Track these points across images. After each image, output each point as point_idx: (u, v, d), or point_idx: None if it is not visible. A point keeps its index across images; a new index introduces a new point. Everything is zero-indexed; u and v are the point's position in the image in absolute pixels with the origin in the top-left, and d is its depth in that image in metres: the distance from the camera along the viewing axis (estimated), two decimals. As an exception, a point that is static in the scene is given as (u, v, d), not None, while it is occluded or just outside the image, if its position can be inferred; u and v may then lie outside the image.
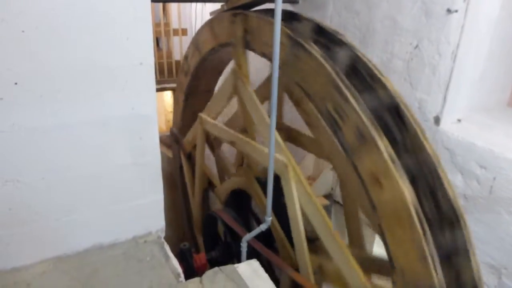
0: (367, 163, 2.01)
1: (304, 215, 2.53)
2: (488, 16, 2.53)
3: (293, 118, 3.07)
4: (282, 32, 2.25)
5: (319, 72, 2.20)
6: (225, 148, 4.20)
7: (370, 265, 2.54)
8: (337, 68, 2.18)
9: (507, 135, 2.54)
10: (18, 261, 1.80)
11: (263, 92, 2.99)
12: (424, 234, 1.82)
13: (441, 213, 2.00)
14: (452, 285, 1.91)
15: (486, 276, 2.51)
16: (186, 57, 4.07)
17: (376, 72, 2.26)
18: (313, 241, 2.62)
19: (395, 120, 2.16)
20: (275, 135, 2.48)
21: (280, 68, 2.20)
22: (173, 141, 4.79)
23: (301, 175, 2.52)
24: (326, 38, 2.50)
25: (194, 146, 4.09)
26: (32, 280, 1.75)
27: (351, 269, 2.26)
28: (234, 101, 3.25)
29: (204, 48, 3.62)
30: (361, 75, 2.30)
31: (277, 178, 2.53)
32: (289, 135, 3.16)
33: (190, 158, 4.40)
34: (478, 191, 2.48)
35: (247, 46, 2.87)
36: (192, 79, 4.10)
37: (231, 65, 3.47)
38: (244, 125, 3.16)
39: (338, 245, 2.33)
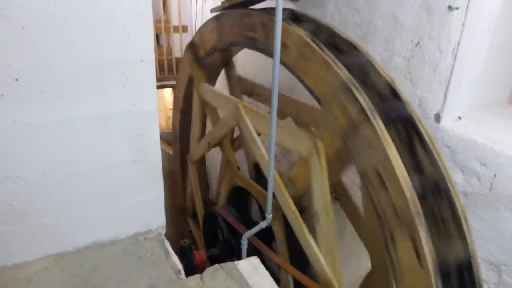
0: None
1: None
2: (489, 14, 2.53)
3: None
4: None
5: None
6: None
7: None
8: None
9: (507, 132, 2.54)
10: (19, 257, 1.80)
11: None
12: None
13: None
14: None
15: (485, 273, 2.51)
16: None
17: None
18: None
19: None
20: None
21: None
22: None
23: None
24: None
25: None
26: (33, 276, 1.75)
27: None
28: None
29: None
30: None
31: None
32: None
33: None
34: (478, 188, 2.49)
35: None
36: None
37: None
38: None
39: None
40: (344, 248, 2.93)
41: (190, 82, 3.96)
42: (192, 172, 4.22)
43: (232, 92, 3.86)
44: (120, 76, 1.70)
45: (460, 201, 2.03)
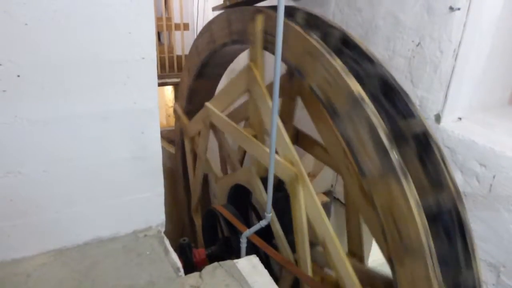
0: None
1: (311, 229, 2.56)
2: (490, 15, 2.53)
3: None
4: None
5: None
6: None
7: (368, 279, 2.56)
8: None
9: (507, 134, 2.54)
10: (19, 252, 1.80)
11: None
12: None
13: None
14: None
15: (484, 274, 2.52)
16: (199, 37, 3.84)
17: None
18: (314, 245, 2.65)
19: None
20: (288, 142, 2.53)
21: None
22: (176, 119, 4.75)
23: (311, 188, 2.53)
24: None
25: (198, 133, 4.08)
26: (32, 271, 1.76)
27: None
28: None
29: (218, 40, 3.49)
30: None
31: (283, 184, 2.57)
32: (301, 140, 3.17)
33: (193, 141, 4.40)
34: (477, 189, 2.49)
35: (266, 48, 2.78)
36: (202, 66, 4.00)
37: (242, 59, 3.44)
38: (251, 124, 3.13)
39: (342, 259, 2.35)
40: (345, 246, 2.94)
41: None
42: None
43: None
44: (121, 74, 1.71)
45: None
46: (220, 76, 4.29)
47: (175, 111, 4.71)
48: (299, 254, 2.70)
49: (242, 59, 3.86)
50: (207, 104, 3.60)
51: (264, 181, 3.10)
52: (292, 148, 2.57)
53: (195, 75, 4.10)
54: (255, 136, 3.02)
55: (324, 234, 2.44)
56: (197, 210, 4.58)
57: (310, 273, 2.62)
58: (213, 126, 3.70)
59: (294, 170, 2.54)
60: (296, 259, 2.83)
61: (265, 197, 2.92)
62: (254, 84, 2.87)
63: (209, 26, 3.57)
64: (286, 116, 3.00)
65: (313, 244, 2.71)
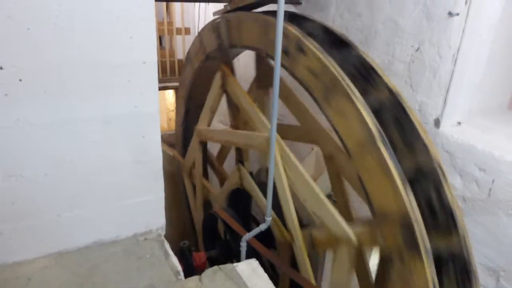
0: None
1: (293, 189, 2.66)
2: (489, 20, 2.55)
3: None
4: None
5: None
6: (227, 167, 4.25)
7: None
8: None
9: (507, 138, 2.55)
10: (20, 255, 1.81)
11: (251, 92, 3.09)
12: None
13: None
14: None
15: (484, 278, 2.52)
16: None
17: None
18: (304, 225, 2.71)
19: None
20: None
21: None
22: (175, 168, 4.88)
23: (285, 148, 2.67)
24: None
25: (193, 164, 4.15)
26: (33, 274, 1.77)
27: (334, 220, 2.39)
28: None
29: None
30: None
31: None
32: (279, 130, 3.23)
33: (191, 175, 4.45)
34: (477, 194, 2.50)
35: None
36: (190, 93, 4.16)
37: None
38: (235, 122, 3.21)
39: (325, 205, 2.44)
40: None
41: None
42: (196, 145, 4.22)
43: None
44: (122, 78, 1.72)
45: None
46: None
47: (173, 157, 4.85)
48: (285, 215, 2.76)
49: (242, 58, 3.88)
50: (196, 127, 3.78)
51: (260, 185, 3.14)
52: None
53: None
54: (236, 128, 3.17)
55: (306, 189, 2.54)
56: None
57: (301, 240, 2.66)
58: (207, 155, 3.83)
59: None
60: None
61: (263, 200, 2.95)
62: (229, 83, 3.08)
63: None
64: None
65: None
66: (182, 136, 4.62)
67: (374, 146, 2.02)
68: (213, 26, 3.32)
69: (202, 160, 4.00)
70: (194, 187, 4.38)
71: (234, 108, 3.23)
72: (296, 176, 2.62)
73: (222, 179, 4.03)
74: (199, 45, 3.72)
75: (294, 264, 2.83)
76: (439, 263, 1.97)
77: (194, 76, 3.93)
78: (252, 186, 3.25)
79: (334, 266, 2.47)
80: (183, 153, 4.57)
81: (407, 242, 1.94)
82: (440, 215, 2.03)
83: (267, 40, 2.68)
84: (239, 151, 3.63)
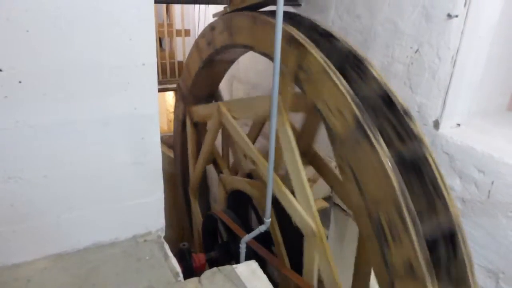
0: None
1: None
2: (488, 21, 2.55)
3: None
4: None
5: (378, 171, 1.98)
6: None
7: None
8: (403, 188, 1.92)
9: (506, 140, 2.55)
10: (19, 257, 1.82)
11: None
12: None
13: None
14: None
15: (483, 281, 2.52)
16: (212, 28, 3.60)
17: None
18: None
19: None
20: (307, 188, 2.47)
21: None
22: (179, 96, 4.55)
23: (327, 248, 2.46)
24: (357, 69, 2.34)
25: (203, 120, 4.05)
26: (32, 276, 1.77)
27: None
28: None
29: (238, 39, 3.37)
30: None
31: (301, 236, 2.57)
32: (317, 165, 3.00)
33: (196, 126, 4.31)
34: (476, 195, 2.50)
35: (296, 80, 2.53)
36: (216, 53, 3.76)
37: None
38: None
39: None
40: (344, 253, 2.95)
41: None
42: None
43: None
44: (122, 80, 1.73)
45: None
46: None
47: (179, 87, 4.51)
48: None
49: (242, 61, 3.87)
50: (220, 104, 3.50)
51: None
52: (312, 201, 2.51)
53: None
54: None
55: None
56: (195, 195, 4.46)
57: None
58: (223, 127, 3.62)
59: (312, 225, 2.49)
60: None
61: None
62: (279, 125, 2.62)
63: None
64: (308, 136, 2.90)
65: None
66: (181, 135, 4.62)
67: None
68: (203, 33, 3.36)
69: (215, 135, 3.83)
70: (197, 141, 4.28)
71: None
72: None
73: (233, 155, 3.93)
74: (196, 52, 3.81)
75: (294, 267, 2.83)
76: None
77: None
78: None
79: None
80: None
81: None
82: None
83: (257, 37, 2.67)
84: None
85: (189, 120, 4.33)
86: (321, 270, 2.51)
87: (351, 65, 2.29)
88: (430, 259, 1.80)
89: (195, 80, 4.09)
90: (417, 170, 2.02)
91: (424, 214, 1.95)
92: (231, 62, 4.02)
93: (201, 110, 4.09)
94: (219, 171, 4.12)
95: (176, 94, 4.74)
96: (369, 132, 1.93)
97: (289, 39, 2.36)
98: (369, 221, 1.98)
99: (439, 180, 1.99)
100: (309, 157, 2.90)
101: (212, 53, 3.67)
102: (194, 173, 4.29)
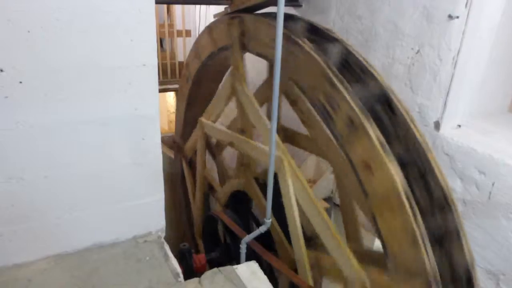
0: (358, 151, 2.05)
1: (301, 210, 2.55)
2: (489, 22, 2.55)
3: (290, 119, 3.10)
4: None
5: (311, 64, 2.27)
6: (227, 155, 4.22)
7: (367, 258, 2.53)
8: (329, 61, 2.24)
9: (507, 141, 2.55)
10: (20, 257, 1.81)
11: (262, 94, 3.04)
12: (415, 218, 1.85)
13: (432, 198, 2.04)
14: (444, 268, 1.93)
15: (484, 282, 2.52)
16: (187, 65, 4.12)
17: (366, 64, 2.34)
18: (310, 239, 2.64)
19: (385, 109, 2.21)
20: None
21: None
22: (175, 149, 4.86)
23: (296, 169, 2.55)
24: (319, 36, 2.58)
25: (195, 152, 4.11)
26: (33, 276, 1.77)
27: (346, 260, 2.26)
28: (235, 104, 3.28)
29: (203, 53, 3.69)
30: (352, 69, 2.37)
31: (274, 176, 2.55)
32: (287, 135, 3.18)
33: (191, 163, 4.43)
34: (477, 196, 2.49)
35: (244, 47, 2.93)
36: (193, 86, 4.14)
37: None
38: (241, 126, 3.19)
39: (334, 238, 2.33)
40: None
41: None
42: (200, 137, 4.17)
43: None
44: (122, 80, 1.73)
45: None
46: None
47: (174, 142, 4.87)
48: (293, 242, 2.66)
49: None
50: (201, 118, 3.71)
51: (262, 187, 3.12)
52: (276, 137, 2.54)
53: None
54: (242, 131, 3.12)
55: (314, 214, 2.45)
56: (200, 236, 4.44)
57: (306, 261, 2.57)
58: (208, 141, 3.82)
59: (279, 154, 2.54)
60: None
61: (263, 202, 2.94)
62: (237, 87, 3.05)
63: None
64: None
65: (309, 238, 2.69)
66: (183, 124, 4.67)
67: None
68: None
69: (204, 151, 3.94)
70: (193, 176, 4.35)
71: (241, 113, 3.21)
72: (307, 205, 2.50)
73: (222, 169, 3.99)
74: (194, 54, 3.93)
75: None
76: None
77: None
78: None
79: None
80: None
81: None
82: None
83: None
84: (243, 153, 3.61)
85: (184, 161, 4.54)
86: (299, 198, 2.53)
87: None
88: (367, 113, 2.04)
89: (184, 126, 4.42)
90: None
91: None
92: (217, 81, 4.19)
93: (190, 141, 4.24)
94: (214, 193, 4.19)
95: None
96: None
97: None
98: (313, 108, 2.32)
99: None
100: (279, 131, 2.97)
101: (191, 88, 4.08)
102: (195, 206, 4.33)
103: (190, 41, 6.73)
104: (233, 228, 3.23)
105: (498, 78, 2.84)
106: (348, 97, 2.07)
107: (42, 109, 1.62)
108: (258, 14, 2.88)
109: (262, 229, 2.67)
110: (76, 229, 1.90)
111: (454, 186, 2.59)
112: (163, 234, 2.13)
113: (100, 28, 1.60)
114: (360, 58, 2.37)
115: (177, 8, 7.06)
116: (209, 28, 3.50)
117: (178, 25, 6.93)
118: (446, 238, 2.00)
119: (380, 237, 2.02)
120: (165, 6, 7.09)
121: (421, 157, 2.07)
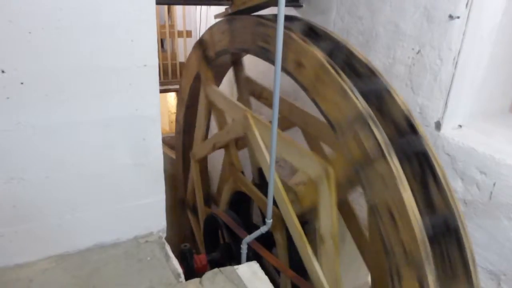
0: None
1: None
2: (490, 23, 2.55)
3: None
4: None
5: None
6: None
7: None
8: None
9: (508, 141, 2.54)
10: (21, 258, 1.82)
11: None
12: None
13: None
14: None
15: (485, 282, 2.51)
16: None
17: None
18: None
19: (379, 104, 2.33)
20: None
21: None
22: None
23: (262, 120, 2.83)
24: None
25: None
26: (34, 277, 1.77)
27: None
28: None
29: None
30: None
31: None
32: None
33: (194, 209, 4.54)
34: (478, 197, 2.49)
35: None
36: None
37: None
38: (219, 125, 3.48)
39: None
40: (344, 254, 2.94)
41: (197, 79, 3.97)
42: (194, 169, 4.22)
43: (239, 92, 3.87)
44: (123, 81, 1.73)
45: (469, 240, 2.02)
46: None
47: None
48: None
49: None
50: (191, 152, 4.05)
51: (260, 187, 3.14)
52: None
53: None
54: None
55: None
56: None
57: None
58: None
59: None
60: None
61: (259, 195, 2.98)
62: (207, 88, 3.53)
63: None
64: None
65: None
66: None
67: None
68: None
69: (202, 188, 4.16)
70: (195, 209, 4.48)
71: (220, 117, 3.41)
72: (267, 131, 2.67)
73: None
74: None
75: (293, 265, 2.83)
76: None
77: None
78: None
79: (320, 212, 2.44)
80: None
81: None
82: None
83: None
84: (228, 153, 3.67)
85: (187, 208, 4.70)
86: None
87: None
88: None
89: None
90: None
91: None
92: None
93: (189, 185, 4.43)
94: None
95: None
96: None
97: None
98: None
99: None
100: None
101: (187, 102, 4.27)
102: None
103: (191, 42, 6.75)
104: (234, 228, 3.23)
105: (499, 78, 2.84)
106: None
107: (43, 109, 1.62)
108: (254, 15, 2.90)
109: (263, 229, 2.68)
110: (77, 229, 1.90)
111: (455, 186, 2.59)
112: (164, 235, 2.13)
113: (100, 28, 1.61)
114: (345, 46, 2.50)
115: (178, 9, 7.08)
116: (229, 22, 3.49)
117: (179, 26, 6.95)
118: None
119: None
120: (166, 6, 7.10)
121: None
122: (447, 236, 2.00)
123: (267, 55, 2.74)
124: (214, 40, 3.49)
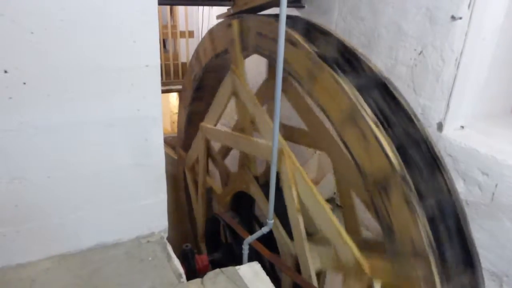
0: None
1: (301, 203, 2.61)
2: (492, 24, 2.54)
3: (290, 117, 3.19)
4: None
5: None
6: (227, 160, 4.26)
7: (365, 245, 2.53)
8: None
9: (510, 142, 2.54)
10: (23, 257, 1.82)
11: (262, 95, 3.08)
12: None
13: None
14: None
15: (487, 283, 2.51)
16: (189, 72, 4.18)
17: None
18: (311, 234, 2.68)
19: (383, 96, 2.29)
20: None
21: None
22: (177, 155, 4.96)
23: (295, 161, 2.61)
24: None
25: (197, 159, 4.14)
26: (36, 276, 1.78)
27: (346, 248, 2.30)
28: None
29: (205, 58, 3.71)
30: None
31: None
32: (286, 132, 3.28)
33: (193, 170, 4.47)
34: (480, 198, 2.49)
35: (243, 44, 3.01)
36: (195, 93, 4.24)
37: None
38: (241, 124, 3.22)
39: (334, 226, 2.37)
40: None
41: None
42: (200, 139, 4.12)
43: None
44: (125, 81, 1.73)
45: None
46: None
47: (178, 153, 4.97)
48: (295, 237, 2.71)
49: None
50: (202, 124, 3.79)
51: (263, 188, 3.13)
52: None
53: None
54: (242, 130, 3.18)
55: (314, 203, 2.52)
56: (203, 240, 4.46)
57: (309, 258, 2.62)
58: (209, 147, 3.89)
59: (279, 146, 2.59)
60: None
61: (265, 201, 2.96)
62: (237, 85, 3.12)
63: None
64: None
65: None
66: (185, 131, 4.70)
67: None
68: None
69: (205, 156, 4.01)
70: (195, 182, 4.40)
71: (242, 111, 3.25)
72: (308, 198, 2.55)
73: (224, 174, 4.02)
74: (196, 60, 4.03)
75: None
76: None
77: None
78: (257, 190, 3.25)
79: None
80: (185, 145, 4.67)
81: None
82: None
83: None
84: (243, 154, 3.64)
85: (187, 170, 4.63)
86: (300, 191, 2.59)
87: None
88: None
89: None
90: None
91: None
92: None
93: (191, 150, 4.32)
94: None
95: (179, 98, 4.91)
96: None
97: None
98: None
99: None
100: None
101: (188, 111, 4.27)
102: (198, 214, 4.36)
103: (193, 42, 6.76)
104: (236, 229, 3.23)
105: (501, 79, 2.83)
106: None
107: (46, 110, 1.63)
108: (260, 15, 2.90)
109: (265, 229, 2.67)
110: (79, 229, 1.91)
111: (457, 187, 2.57)
112: (165, 235, 2.13)
113: (103, 29, 1.61)
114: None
115: (180, 9, 7.09)
116: (209, 34, 3.57)
117: (181, 26, 6.96)
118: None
119: (380, 218, 2.07)
120: (168, 7, 7.12)
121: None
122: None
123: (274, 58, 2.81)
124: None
